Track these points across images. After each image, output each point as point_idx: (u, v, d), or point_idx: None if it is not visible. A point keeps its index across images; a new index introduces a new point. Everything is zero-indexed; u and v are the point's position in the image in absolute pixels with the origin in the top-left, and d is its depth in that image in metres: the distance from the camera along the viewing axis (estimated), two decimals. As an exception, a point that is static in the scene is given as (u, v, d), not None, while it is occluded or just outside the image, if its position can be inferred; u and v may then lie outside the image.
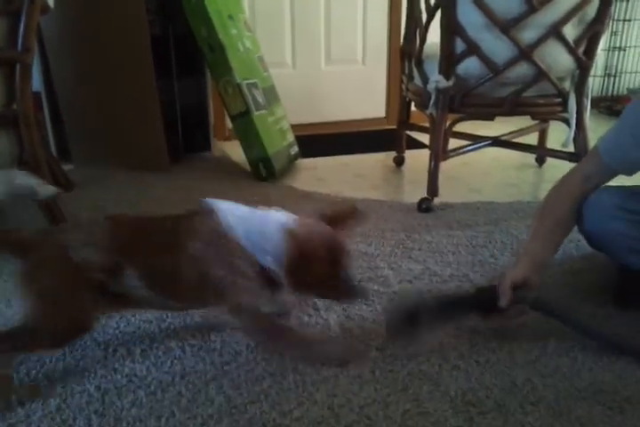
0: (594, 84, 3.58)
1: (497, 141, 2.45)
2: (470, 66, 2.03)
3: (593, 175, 1.37)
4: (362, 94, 3.53)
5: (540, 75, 2.00)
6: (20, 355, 1.21)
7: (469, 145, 2.39)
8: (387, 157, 2.83)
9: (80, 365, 1.24)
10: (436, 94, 2.10)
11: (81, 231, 1.18)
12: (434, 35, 2.10)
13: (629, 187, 1.42)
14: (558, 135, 2.28)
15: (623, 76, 3.85)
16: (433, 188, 2.14)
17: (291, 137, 2.84)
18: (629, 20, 3.69)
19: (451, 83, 2.06)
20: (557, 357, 1.24)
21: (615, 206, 1.33)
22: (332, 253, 1.14)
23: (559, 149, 2.22)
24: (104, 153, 2.71)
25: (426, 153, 2.22)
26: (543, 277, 1.56)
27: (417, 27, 2.25)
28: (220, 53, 2.46)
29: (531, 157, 2.72)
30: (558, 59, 2.01)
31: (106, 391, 1.16)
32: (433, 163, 2.15)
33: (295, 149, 2.83)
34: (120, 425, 1.07)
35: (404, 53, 2.42)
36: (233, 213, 1.18)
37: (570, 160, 2.13)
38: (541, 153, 2.64)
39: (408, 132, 2.75)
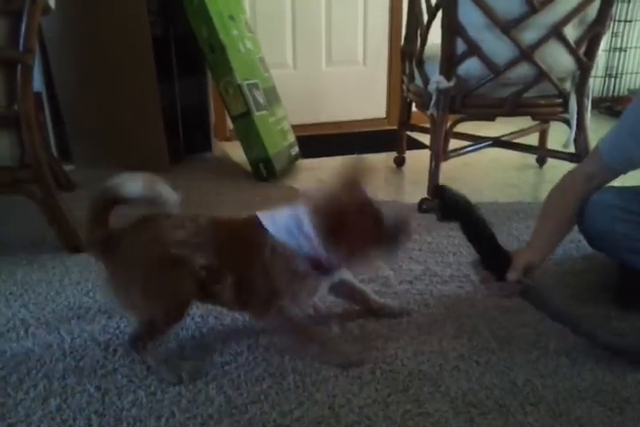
0: (594, 84, 3.58)
1: (498, 142, 2.44)
2: (471, 66, 2.03)
3: (595, 175, 1.37)
4: (362, 95, 3.53)
5: (541, 75, 2.00)
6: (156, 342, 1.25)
7: (470, 146, 2.39)
8: (387, 158, 2.83)
9: (80, 365, 1.24)
10: (437, 95, 2.10)
11: (181, 229, 1.20)
12: (435, 35, 2.10)
13: (631, 187, 1.42)
14: (559, 136, 2.28)
15: (624, 76, 3.85)
16: (433, 188, 2.14)
17: (291, 137, 2.85)
18: (630, 21, 3.69)
19: (451, 83, 2.06)
20: (557, 357, 1.24)
21: (617, 207, 1.33)
22: (359, 205, 1.15)
23: (560, 149, 2.21)
24: (105, 153, 2.71)
25: (426, 153, 2.22)
26: (544, 278, 1.57)
27: (418, 27, 2.25)
28: (220, 54, 2.46)
29: (531, 158, 2.72)
30: (559, 59, 2.01)
31: (106, 391, 1.16)
32: (434, 163, 2.15)
33: (296, 150, 2.83)
34: (120, 425, 1.07)
35: (405, 54, 2.42)
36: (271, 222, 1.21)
37: (570, 161, 2.12)
38: (542, 154, 2.63)
39: (409, 133, 2.75)
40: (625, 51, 3.77)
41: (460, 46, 2.01)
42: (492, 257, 1.27)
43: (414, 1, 2.26)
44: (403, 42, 2.46)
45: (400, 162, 2.76)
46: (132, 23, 2.47)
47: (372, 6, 3.39)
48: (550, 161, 2.62)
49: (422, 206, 2.13)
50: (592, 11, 1.96)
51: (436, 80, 2.08)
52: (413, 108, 2.52)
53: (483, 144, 2.41)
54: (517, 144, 2.43)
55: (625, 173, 1.35)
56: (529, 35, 1.94)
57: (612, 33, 3.68)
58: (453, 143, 2.45)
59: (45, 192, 1.73)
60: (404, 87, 2.47)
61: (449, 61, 2.04)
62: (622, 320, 1.37)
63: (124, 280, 1.21)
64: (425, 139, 2.60)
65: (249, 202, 2.19)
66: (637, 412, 1.08)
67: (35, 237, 1.90)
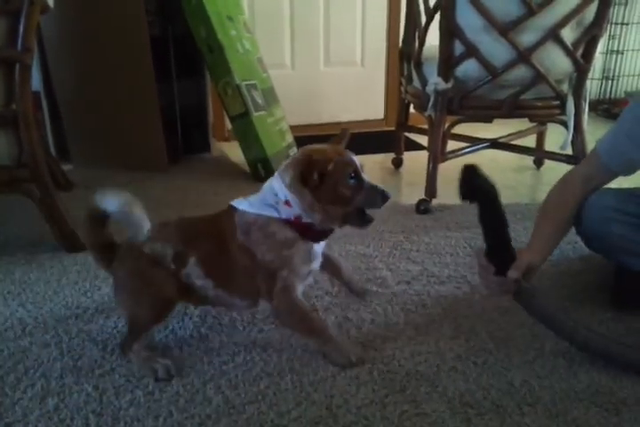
0: (592, 86, 3.60)
1: (495, 144, 2.45)
2: (469, 68, 2.04)
3: (593, 176, 1.37)
4: (361, 96, 3.54)
5: (539, 77, 2.01)
6: (147, 337, 1.27)
7: (468, 147, 2.40)
8: (385, 159, 2.83)
9: (78, 364, 1.24)
10: (435, 96, 2.11)
11: (148, 233, 1.26)
12: (433, 37, 2.11)
13: (628, 189, 1.42)
14: (556, 138, 2.29)
15: (621, 79, 3.87)
16: (431, 189, 2.15)
17: (290, 138, 2.85)
18: (627, 24, 3.71)
19: (449, 85, 2.07)
20: (554, 358, 1.25)
21: (613, 209, 1.34)
22: (333, 160, 1.18)
23: (557, 151, 2.22)
24: (103, 153, 2.71)
25: (424, 155, 2.23)
26: (542, 279, 1.58)
27: (416, 29, 2.26)
28: (219, 54, 2.46)
29: (529, 160, 2.73)
30: (556, 62, 2.02)
31: (104, 391, 1.16)
32: (431, 164, 2.15)
33: (294, 150, 2.83)
34: (118, 425, 1.07)
35: (403, 55, 2.42)
36: (246, 203, 1.26)
37: (568, 162, 2.13)
38: (539, 155, 2.64)
39: (406, 134, 2.76)
40: (622, 53, 3.79)
41: (458, 48, 2.01)
42: (499, 250, 1.25)
43: (412, 2, 2.26)
44: (401, 43, 2.47)
45: (398, 163, 2.77)
46: (131, 23, 2.47)
47: (371, 7, 3.39)
48: (547, 163, 2.63)
49: (420, 207, 2.13)
50: (589, 13, 1.97)
51: (434, 81, 2.08)
52: (411, 110, 2.53)
53: (480, 146, 2.42)
54: (515, 146, 2.44)
55: (623, 175, 1.36)
56: (526, 37, 1.95)
57: (609, 35, 3.70)
58: (451, 145, 2.46)
59: (43, 192, 1.73)
60: (402, 88, 2.48)
61: (447, 63, 2.04)
62: (619, 321, 1.38)
63: (116, 282, 1.30)
64: (423, 140, 2.60)
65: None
66: (634, 413, 1.08)
67: (33, 236, 1.90)
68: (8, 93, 1.67)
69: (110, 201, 1.21)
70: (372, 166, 2.81)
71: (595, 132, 1.79)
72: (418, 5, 2.22)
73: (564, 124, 2.15)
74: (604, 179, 1.37)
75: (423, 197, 2.16)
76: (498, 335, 1.34)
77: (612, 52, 3.79)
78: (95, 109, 2.64)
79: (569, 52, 2.00)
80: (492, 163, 2.75)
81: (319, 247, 1.27)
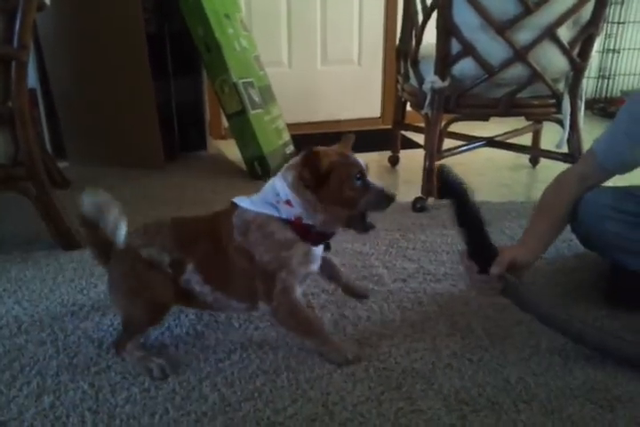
0: (588, 85, 3.61)
1: (491, 142, 2.46)
2: (466, 67, 2.04)
3: (589, 176, 1.38)
4: (357, 94, 3.54)
5: (535, 76, 2.01)
6: (140, 337, 1.27)
7: (464, 145, 2.40)
8: (381, 157, 2.84)
9: (73, 362, 1.24)
10: (432, 95, 2.11)
11: (144, 235, 1.27)
12: (430, 35, 2.11)
13: (623, 187, 1.43)
14: (552, 136, 2.29)
15: (617, 78, 3.88)
16: (427, 187, 2.15)
17: (286, 136, 2.85)
18: (623, 23, 3.72)
19: (446, 83, 2.07)
20: (550, 355, 1.25)
21: (608, 207, 1.34)
22: (337, 160, 1.18)
23: (553, 149, 2.23)
24: (99, 151, 2.71)
25: (420, 153, 2.23)
26: (536, 277, 1.58)
27: (413, 27, 2.26)
28: (216, 52, 2.46)
29: (525, 158, 2.73)
30: (553, 60, 2.02)
31: (99, 388, 1.16)
32: (428, 163, 2.16)
33: (291, 148, 2.83)
34: (114, 422, 1.07)
35: (400, 54, 2.42)
36: (247, 200, 1.25)
37: (563, 161, 2.14)
38: (535, 154, 2.65)
39: (403, 132, 2.76)
40: (618, 52, 3.80)
41: (455, 46, 2.01)
42: (478, 247, 1.25)
43: (409, 1, 2.26)
44: (398, 41, 2.47)
45: (394, 161, 2.77)
46: (127, 20, 2.46)
47: (368, 5, 3.39)
48: (543, 161, 2.63)
49: (416, 205, 2.13)
50: (586, 12, 1.97)
51: (431, 80, 2.08)
52: (408, 108, 2.53)
53: (477, 144, 2.42)
54: (511, 144, 2.44)
55: (619, 174, 1.37)
56: (523, 36, 1.95)
57: (606, 34, 3.71)
58: (447, 143, 2.46)
59: (39, 189, 1.72)
60: (399, 87, 2.48)
61: (444, 61, 2.05)
62: (614, 319, 1.38)
63: (111, 281, 1.30)
64: (419, 138, 2.61)
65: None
66: (628, 410, 1.09)
67: (29, 234, 1.90)
68: (4, 91, 1.67)
69: (87, 203, 1.21)
70: (369, 164, 2.80)
71: (591, 131, 1.80)
72: (415, 4, 2.22)
73: (560, 123, 2.15)
74: (600, 178, 1.38)
75: (419, 195, 2.16)
76: (494, 333, 1.34)
77: (609, 50, 3.79)
78: (91, 107, 2.64)
79: (565, 51, 2.00)
80: (488, 161, 2.76)
81: (318, 250, 1.26)
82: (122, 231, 1.20)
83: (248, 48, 2.74)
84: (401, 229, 1.95)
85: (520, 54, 1.96)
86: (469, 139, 2.49)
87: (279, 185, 1.20)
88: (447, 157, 2.24)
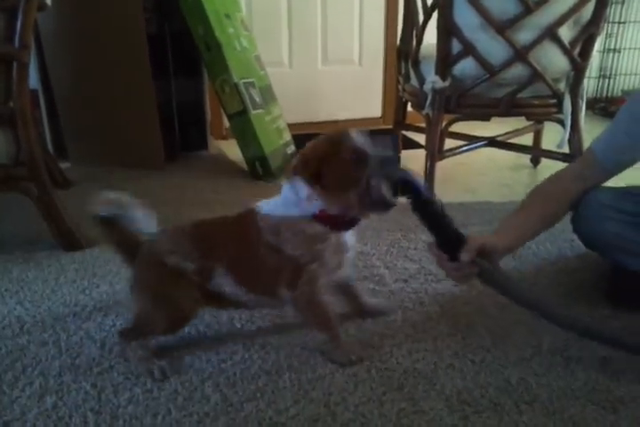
0: (589, 85, 3.60)
1: (492, 142, 2.46)
2: (466, 67, 2.04)
3: (586, 174, 1.38)
4: (358, 94, 3.54)
5: (536, 76, 2.01)
6: (148, 340, 1.26)
7: (465, 145, 2.40)
8: (383, 157, 2.83)
9: (76, 362, 1.24)
10: (433, 95, 2.11)
11: (168, 241, 1.25)
12: (430, 35, 2.11)
13: (624, 187, 1.43)
14: (553, 136, 2.29)
15: (618, 77, 3.88)
16: (429, 187, 2.15)
17: (287, 136, 2.85)
18: (624, 23, 3.72)
19: (447, 83, 2.07)
20: (551, 356, 1.25)
21: (609, 207, 1.34)
22: (337, 147, 1.15)
23: (554, 149, 2.23)
24: (101, 151, 2.71)
25: (422, 153, 2.23)
26: (539, 277, 1.59)
27: (413, 27, 2.26)
28: (216, 52, 2.46)
29: (526, 158, 2.73)
30: (554, 60, 2.03)
31: (102, 389, 1.16)
32: (429, 163, 2.16)
33: (292, 148, 2.84)
34: (116, 423, 1.07)
35: (401, 54, 2.43)
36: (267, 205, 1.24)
37: (564, 161, 2.14)
38: (536, 154, 2.65)
39: (404, 133, 2.76)
40: (619, 52, 3.80)
41: (456, 46, 2.02)
42: (443, 236, 1.24)
43: (410, 1, 2.26)
44: (398, 42, 2.47)
45: (395, 161, 2.77)
46: (128, 20, 2.47)
47: (368, 6, 3.40)
48: (544, 161, 2.63)
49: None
50: (586, 12, 1.98)
51: (432, 80, 2.09)
52: (409, 108, 2.53)
53: (478, 144, 2.43)
54: (512, 144, 2.45)
55: (617, 174, 1.36)
56: (524, 35, 1.95)
57: (607, 34, 3.71)
58: (449, 143, 2.47)
59: (41, 190, 1.72)
60: (400, 87, 2.48)
61: (444, 61, 2.05)
62: (615, 319, 1.38)
63: (134, 283, 1.27)
64: (420, 138, 2.61)
65: (244, 200, 2.19)
66: (631, 411, 1.09)
67: (30, 234, 1.90)
68: (5, 91, 1.67)
69: (102, 201, 1.20)
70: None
71: (591, 131, 1.80)
72: (415, 4, 2.22)
73: (561, 123, 2.15)
74: (597, 177, 1.37)
75: (421, 195, 2.16)
76: (495, 333, 1.34)
77: (609, 50, 3.79)
78: (92, 107, 2.64)
79: (566, 51, 2.00)
80: (489, 161, 2.76)
81: (350, 238, 1.25)
82: (153, 224, 1.19)
83: (248, 48, 2.74)
84: (402, 230, 1.95)
85: (521, 54, 1.96)
86: (470, 139, 2.49)
87: (297, 183, 1.18)
88: (448, 157, 2.25)
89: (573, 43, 2.01)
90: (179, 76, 2.78)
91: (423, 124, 2.30)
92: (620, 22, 3.71)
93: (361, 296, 1.41)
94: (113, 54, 2.52)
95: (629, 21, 3.73)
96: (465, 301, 1.49)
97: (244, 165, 2.60)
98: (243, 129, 2.53)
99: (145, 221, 1.20)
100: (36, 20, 1.72)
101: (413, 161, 2.61)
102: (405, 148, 2.79)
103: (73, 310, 1.46)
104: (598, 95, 3.89)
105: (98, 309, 1.46)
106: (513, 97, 2.06)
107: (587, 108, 2.24)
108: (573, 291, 1.53)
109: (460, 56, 2.02)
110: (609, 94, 3.89)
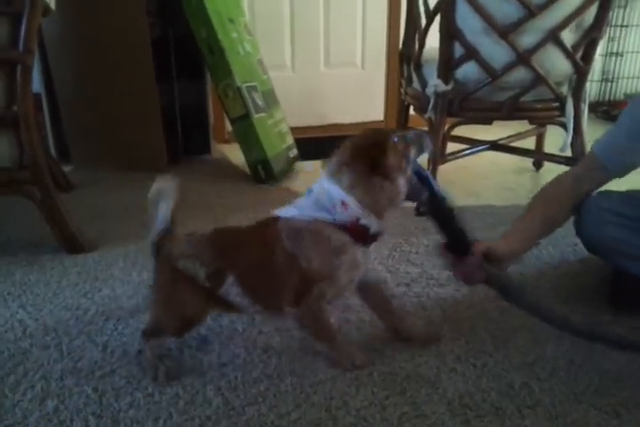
0: (591, 89, 3.60)
1: (495, 146, 2.46)
2: (469, 70, 2.04)
3: (586, 176, 1.37)
4: (361, 98, 3.54)
5: (538, 79, 2.01)
6: (164, 339, 1.27)
7: (467, 149, 2.40)
8: (385, 161, 2.83)
9: (78, 366, 1.24)
10: (435, 98, 2.11)
11: (182, 244, 1.23)
12: (433, 39, 2.11)
13: (627, 192, 1.42)
14: (556, 140, 2.29)
15: (620, 81, 3.88)
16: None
17: (290, 140, 2.85)
18: (627, 26, 3.72)
19: (449, 87, 2.07)
20: (554, 360, 1.25)
21: (610, 211, 1.34)
22: (383, 143, 1.15)
23: (556, 153, 2.23)
24: (104, 155, 2.72)
25: (424, 157, 2.22)
26: (541, 281, 1.58)
27: (416, 31, 2.26)
28: (220, 56, 2.46)
29: (528, 161, 2.73)
30: (556, 64, 2.03)
31: (103, 393, 1.16)
32: (431, 166, 2.16)
33: (294, 152, 2.84)
34: (118, 427, 1.07)
35: (403, 57, 2.43)
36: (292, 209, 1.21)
37: (567, 164, 2.14)
38: (539, 157, 2.65)
39: (406, 136, 2.76)
40: (621, 55, 3.80)
41: (458, 50, 2.02)
42: (453, 238, 1.26)
43: (412, 5, 2.27)
44: (401, 45, 2.47)
45: (398, 165, 2.76)
46: (131, 25, 2.48)
47: (371, 9, 3.40)
48: (547, 165, 2.63)
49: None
50: (589, 16, 1.98)
51: (434, 83, 2.09)
52: (411, 112, 2.53)
53: (480, 147, 2.43)
54: (514, 148, 2.45)
55: (619, 177, 1.36)
56: (526, 39, 1.96)
57: (609, 38, 3.71)
58: (451, 146, 2.46)
59: (44, 193, 1.73)
60: (402, 90, 2.48)
61: (447, 65, 2.05)
62: (617, 323, 1.38)
63: (153, 283, 1.27)
64: (423, 142, 2.61)
65: (247, 204, 2.19)
66: (633, 415, 1.08)
67: (33, 237, 1.90)
68: (9, 95, 1.67)
69: (153, 188, 1.19)
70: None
71: (594, 134, 1.79)
72: (418, 7, 2.23)
73: (564, 127, 2.15)
74: (599, 178, 1.37)
75: (423, 198, 2.16)
76: (498, 337, 1.34)
77: (612, 54, 3.79)
78: (96, 111, 2.64)
79: (568, 55, 2.00)
80: (492, 165, 2.76)
81: (368, 254, 1.22)
82: (160, 224, 1.18)
83: (252, 52, 2.75)
84: (404, 234, 1.94)
85: (523, 58, 1.96)
86: (473, 142, 2.49)
87: (332, 188, 1.15)
88: (451, 160, 2.25)
89: (576, 46, 2.01)
90: (182, 79, 2.79)
91: (425, 128, 2.30)
92: (622, 26, 3.71)
93: (399, 316, 1.34)
94: (117, 58, 2.53)
95: (632, 25, 3.73)
96: (467, 305, 1.49)
97: (247, 169, 2.61)
98: (245, 133, 2.53)
99: (161, 216, 1.18)
100: (40, 25, 1.73)
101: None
102: (408, 151, 2.79)
103: (75, 313, 1.46)
104: (601, 99, 3.89)
105: (100, 312, 1.46)
106: (515, 101, 2.06)
107: (589, 111, 2.24)
108: (575, 295, 1.52)
109: (463, 60, 2.03)
110: (611, 98, 3.89)
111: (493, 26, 1.93)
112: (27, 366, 1.24)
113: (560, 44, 1.97)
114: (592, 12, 1.97)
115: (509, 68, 1.99)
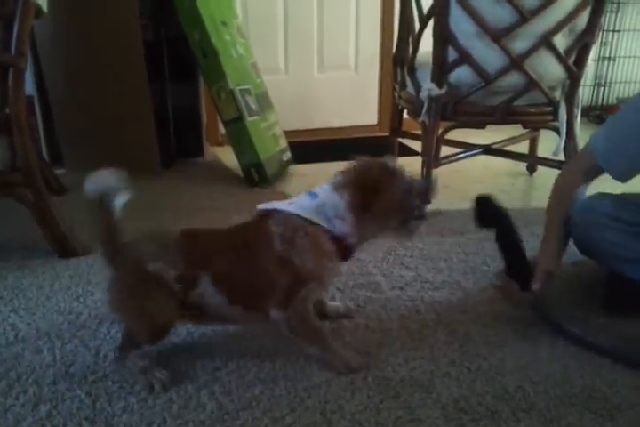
0: (584, 93, 3.62)
1: (488, 149, 2.46)
2: (462, 74, 2.05)
3: (584, 166, 1.39)
4: (354, 101, 3.55)
5: (531, 84, 2.02)
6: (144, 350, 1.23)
7: (461, 153, 2.41)
8: (379, 164, 2.83)
9: (70, 371, 1.23)
10: (429, 102, 2.12)
11: (152, 244, 1.21)
12: (426, 43, 2.12)
13: (621, 195, 1.42)
14: (549, 144, 2.30)
15: (613, 85, 3.90)
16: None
17: (283, 143, 2.85)
18: (619, 31, 3.74)
19: (443, 91, 2.08)
20: (549, 363, 1.25)
21: (606, 215, 1.35)
22: (388, 175, 1.20)
23: (550, 157, 2.24)
24: (96, 157, 2.69)
25: (418, 160, 2.23)
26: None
27: (409, 35, 2.27)
28: (213, 59, 2.46)
29: (522, 165, 2.74)
30: (549, 68, 2.04)
31: (97, 397, 1.15)
32: (425, 170, 2.16)
33: (288, 155, 2.84)
34: (111, 431, 1.06)
35: (397, 61, 2.43)
36: (290, 204, 1.23)
37: (560, 168, 2.14)
38: (532, 161, 2.66)
39: (400, 140, 2.76)
40: (614, 60, 3.82)
41: (452, 54, 2.03)
42: (519, 266, 1.35)
43: (406, 9, 2.27)
44: (394, 49, 2.48)
45: (391, 168, 2.77)
46: (124, 27, 2.47)
47: (364, 13, 3.41)
48: (540, 168, 2.64)
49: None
50: (581, 21, 1.99)
51: (428, 87, 2.09)
52: (405, 115, 2.54)
53: (474, 151, 2.43)
54: (508, 152, 2.45)
55: (622, 182, 1.35)
56: (519, 44, 1.96)
57: (601, 42, 3.73)
58: (445, 150, 2.47)
59: (36, 196, 1.72)
60: (396, 94, 2.49)
61: (440, 69, 2.06)
62: (611, 326, 1.38)
63: (113, 289, 1.23)
64: (416, 146, 2.61)
65: (240, 207, 2.19)
66: (628, 418, 1.08)
67: (25, 241, 1.89)
68: (1, 98, 1.66)
69: (88, 184, 1.20)
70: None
71: (586, 139, 1.80)
72: (411, 11, 2.24)
73: (557, 131, 2.16)
74: (595, 167, 1.35)
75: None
76: (492, 341, 1.34)
77: (604, 58, 3.81)
78: (88, 113, 2.63)
79: (561, 59, 2.02)
80: (485, 168, 2.76)
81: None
82: (121, 199, 1.18)
83: (245, 55, 2.75)
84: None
85: (516, 62, 1.97)
86: (467, 146, 2.50)
87: (337, 200, 1.18)
88: (444, 164, 2.25)
89: (569, 51, 2.02)
90: (174, 81, 2.78)
91: (419, 132, 2.31)
92: (614, 31, 3.73)
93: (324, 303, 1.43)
94: (109, 61, 2.52)
95: (624, 30, 3.75)
96: (462, 309, 1.49)
97: (240, 172, 2.60)
98: (238, 136, 2.53)
99: (117, 193, 1.18)
100: (32, 27, 1.72)
101: (409, 168, 2.61)
102: (401, 155, 2.79)
103: (67, 317, 1.45)
104: (593, 103, 3.91)
105: (92, 316, 1.45)
106: (509, 105, 2.07)
107: (582, 115, 2.25)
108: (569, 298, 1.53)
109: (456, 64, 2.03)
110: (604, 102, 3.91)
111: (486, 30, 1.94)
112: (19, 370, 1.23)
113: (553, 48, 1.99)
114: (584, 17, 1.98)
115: (503, 72, 2.00)
